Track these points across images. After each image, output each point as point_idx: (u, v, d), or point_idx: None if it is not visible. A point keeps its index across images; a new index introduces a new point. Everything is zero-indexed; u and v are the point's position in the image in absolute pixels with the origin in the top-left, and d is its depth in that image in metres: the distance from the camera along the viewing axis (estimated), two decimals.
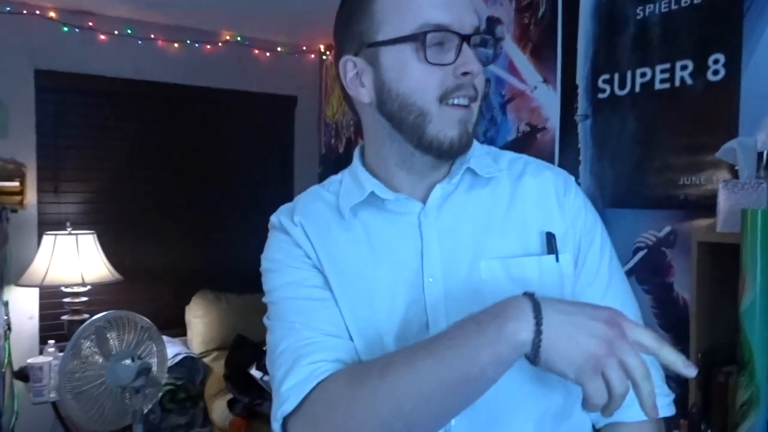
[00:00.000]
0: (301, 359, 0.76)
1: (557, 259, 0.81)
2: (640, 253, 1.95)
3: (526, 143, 2.42)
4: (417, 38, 0.76)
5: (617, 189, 2.04)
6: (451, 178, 0.84)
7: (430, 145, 0.79)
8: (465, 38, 0.77)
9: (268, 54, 3.83)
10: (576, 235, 0.84)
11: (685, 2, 1.86)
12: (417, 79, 0.77)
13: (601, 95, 2.12)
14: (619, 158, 2.06)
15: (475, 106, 0.81)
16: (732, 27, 1.73)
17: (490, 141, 2.59)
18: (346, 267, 0.84)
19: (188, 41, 3.57)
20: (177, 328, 3.59)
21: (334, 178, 0.94)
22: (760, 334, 1.28)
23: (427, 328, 0.80)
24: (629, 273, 1.97)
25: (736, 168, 1.57)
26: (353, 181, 0.88)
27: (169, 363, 2.64)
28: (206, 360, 3.44)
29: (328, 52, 3.92)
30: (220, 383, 3.19)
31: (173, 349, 3.17)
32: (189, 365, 3.25)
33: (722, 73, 1.76)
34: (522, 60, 2.44)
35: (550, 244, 0.81)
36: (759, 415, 1.27)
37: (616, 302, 0.82)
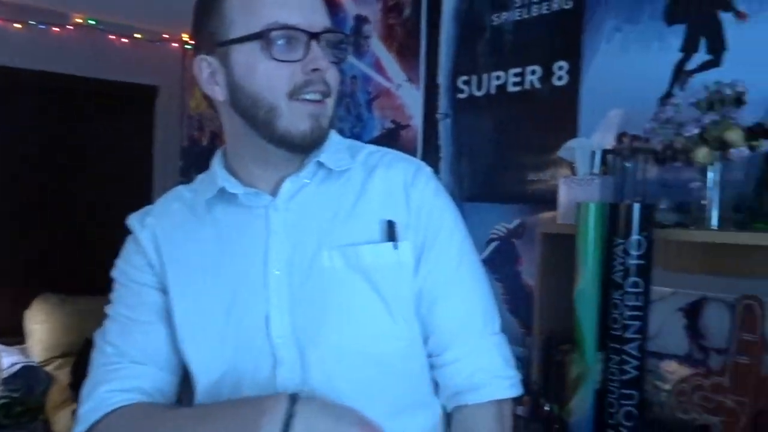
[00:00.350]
0: (99, 385, 0.85)
1: (396, 247, 0.84)
2: (493, 245, 2.07)
3: (390, 140, 2.48)
4: (263, 36, 0.79)
5: (473, 184, 2.16)
6: (300, 173, 0.86)
7: (282, 139, 0.82)
8: (313, 36, 0.80)
9: (125, 40, 3.61)
10: (421, 223, 0.87)
11: (535, 12, 2.00)
12: (266, 76, 0.80)
13: (460, 95, 2.22)
14: (475, 156, 2.17)
15: (330, 101, 0.84)
16: (573, 38, 1.89)
17: (356, 137, 2.60)
18: (191, 266, 0.87)
19: (32, 22, 3.26)
20: (14, 335, 3.26)
21: (199, 177, 0.97)
22: (590, 317, 1.41)
23: (267, 321, 0.83)
24: (483, 263, 2.07)
25: (575, 165, 1.72)
26: (209, 177, 0.91)
27: (4, 374, 2.40)
28: (48, 368, 3.16)
29: (191, 42, 3.76)
30: (65, 393, 2.94)
31: (9, 359, 2.89)
32: (28, 375, 2.96)
33: (565, 79, 1.92)
34: (388, 58, 2.50)
35: (390, 231, 0.84)
36: (588, 388, 1.40)
37: (463, 287, 0.88)
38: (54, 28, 3.36)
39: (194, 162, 3.71)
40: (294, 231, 0.85)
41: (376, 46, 2.54)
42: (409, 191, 0.87)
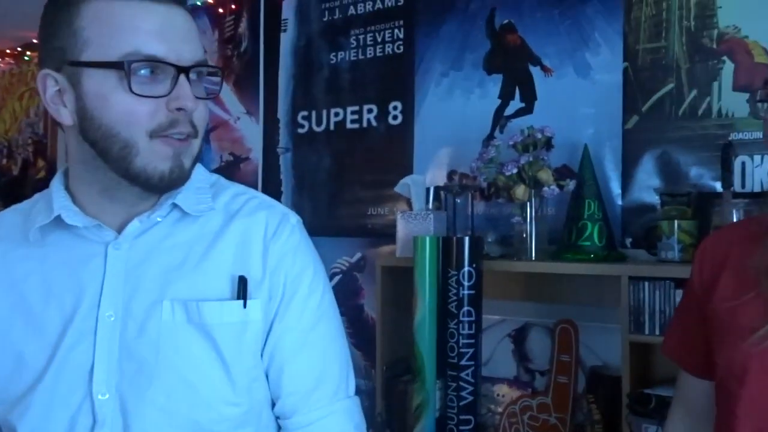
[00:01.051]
0: None
1: (244, 306, 0.79)
2: (336, 278, 2.10)
3: (229, 172, 2.42)
4: (122, 66, 0.70)
5: (315, 218, 2.18)
6: (154, 212, 0.78)
7: (137, 178, 0.74)
8: (182, 70, 0.72)
9: None
10: (279, 281, 0.81)
11: (370, 54, 2.10)
12: (122, 110, 0.71)
13: (300, 130, 2.24)
14: (316, 190, 2.20)
15: (196, 141, 0.76)
16: (406, 80, 2.01)
17: None
18: (12, 305, 0.77)
19: None
20: None
21: (34, 197, 0.86)
22: (429, 346, 1.49)
23: (90, 374, 0.75)
24: None
25: (411, 201, 1.82)
26: (46, 201, 0.80)
27: None
28: None
29: (12, 60, 3.38)
30: None
31: None
32: None
33: (400, 118, 2.03)
34: (225, 91, 2.45)
35: (241, 289, 0.78)
36: (428, 416, 1.47)
37: (317, 349, 0.83)
38: None
39: (4, 192, 3.31)
40: (135, 274, 0.77)
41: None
42: (268, 245, 0.81)
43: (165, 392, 0.75)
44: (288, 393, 0.82)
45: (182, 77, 0.72)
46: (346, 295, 2.07)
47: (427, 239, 1.55)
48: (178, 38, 0.73)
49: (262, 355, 0.81)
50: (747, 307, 0.76)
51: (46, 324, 0.76)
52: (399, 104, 2.03)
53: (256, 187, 2.34)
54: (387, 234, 1.95)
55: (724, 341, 0.79)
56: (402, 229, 1.74)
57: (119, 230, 0.78)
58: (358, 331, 2.05)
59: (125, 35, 0.71)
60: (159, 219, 0.79)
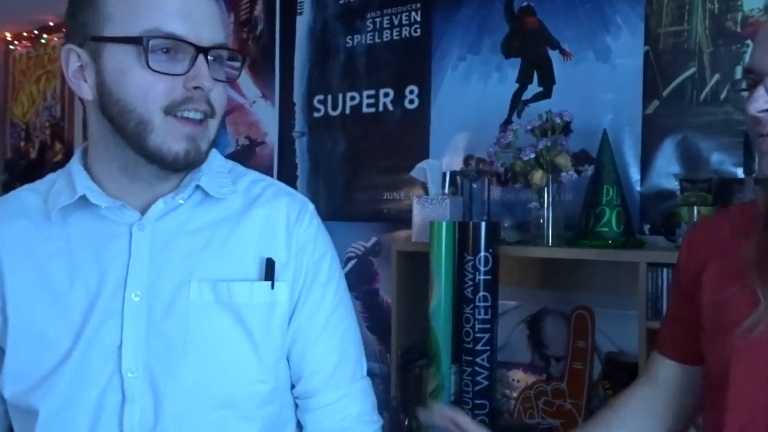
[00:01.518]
0: None
1: (272, 287, 0.80)
2: (351, 263, 2.11)
3: (245, 156, 2.42)
4: (141, 42, 0.71)
5: (330, 203, 2.18)
6: (177, 194, 0.79)
7: (153, 156, 0.75)
8: (201, 51, 0.73)
9: None
10: (302, 266, 0.83)
11: (386, 37, 2.08)
12: (138, 86, 0.72)
13: (316, 114, 2.24)
14: (332, 174, 2.20)
15: (212, 122, 0.77)
16: (423, 64, 1.99)
17: None
18: (34, 288, 0.77)
19: None
20: None
21: (49, 177, 0.86)
22: (444, 331, 1.49)
23: (119, 350, 0.76)
24: None
25: (427, 185, 1.81)
26: (67, 181, 0.80)
27: None
28: None
29: (16, 42, 3.40)
30: None
31: None
32: None
33: (416, 102, 2.01)
34: (241, 74, 2.44)
35: (269, 270, 0.80)
36: (443, 400, 1.48)
37: (337, 332, 0.86)
38: None
39: (22, 175, 3.34)
40: (160, 256, 0.78)
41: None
42: (291, 230, 0.83)
43: (195, 370, 0.77)
44: (311, 373, 0.85)
45: (201, 57, 0.73)
46: (362, 279, 2.08)
47: (444, 224, 1.55)
48: (200, 19, 0.74)
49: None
50: (734, 300, 0.74)
51: (71, 305, 0.77)
52: (415, 88, 2.01)
53: (271, 171, 2.35)
54: (403, 219, 1.94)
55: (713, 336, 0.78)
56: (418, 214, 1.74)
57: (142, 211, 0.79)
58: (373, 315, 2.06)
59: (147, 12, 0.72)
60: (182, 201, 0.80)
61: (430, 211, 1.71)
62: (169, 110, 0.73)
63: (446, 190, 1.76)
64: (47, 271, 0.78)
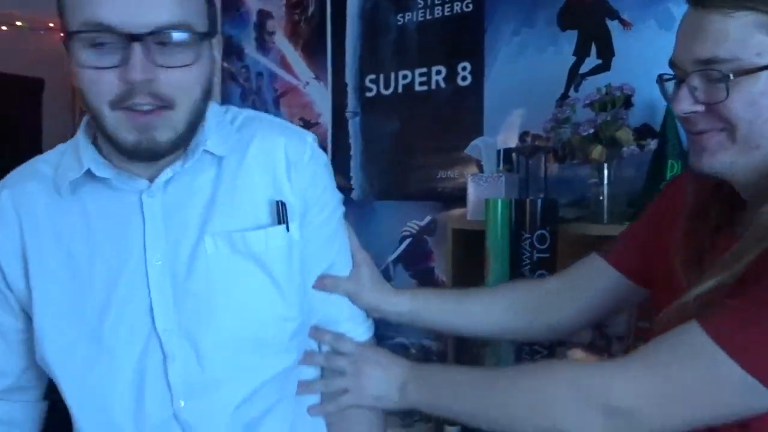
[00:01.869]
0: None
1: (288, 229, 0.81)
2: (406, 242, 2.12)
3: None
4: (77, 36, 0.69)
5: (384, 182, 2.19)
6: (185, 162, 0.79)
7: (116, 147, 0.74)
8: (134, 38, 0.68)
9: (3, 28, 3.32)
10: (308, 200, 0.84)
11: (438, 14, 2.05)
12: (85, 81, 0.71)
13: (368, 94, 2.24)
14: (385, 154, 2.20)
15: (170, 112, 0.73)
16: (475, 40, 1.96)
17: None
18: (57, 260, 0.79)
19: None
20: None
21: (59, 148, 0.86)
22: None
23: (151, 311, 0.78)
24: (396, 261, 2.13)
25: (481, 163, 1.79)
26: (74, 154, 0.81)
27: None
28: None
29: None
30: None
31: None
32: None
33: (469, 79, 1.99)
34: (294, 56, 2.47)
35: (280, 213, 0.80)
36: None
37: (347, 257, 0.92)
38: None
39: None
40: (173, 218, 0.79)
41: (281, 43, 2.51)
42: (292, 167, 0.83)
43: (227, 320, 0.79)
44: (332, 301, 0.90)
45: (135, 46, 0.68)
46: (417, 258, 2.09)
47: (499, 202, 1.54)
48: (132, 2, 0.68)
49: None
50: (670, 278, 0.74)
51: (95, 279, 0.79)
52: (468, 65, 1.99)
53: (325, 152, 2.36)
54: (457, 197, 1.94)
55: (658, 293, 0.79)
56: (473, 192, 1.73)
57: (150, 179, 0.79)
58: None
59: (80, 3, 0.69)
60: (188, 166, 0.80)
61: (485, 188, 1.70)
62: (115, 104, 0.71)
63: (501, 168, 1.74)
64: (70, 246, 0.80)
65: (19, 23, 3.37)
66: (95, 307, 0.78)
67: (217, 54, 0.80)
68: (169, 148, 0.76)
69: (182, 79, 0.72)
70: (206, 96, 0.77)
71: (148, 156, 0.75)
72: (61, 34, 0.73)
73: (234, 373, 0.80)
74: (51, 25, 3.47)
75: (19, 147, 3.49)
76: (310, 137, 0.87)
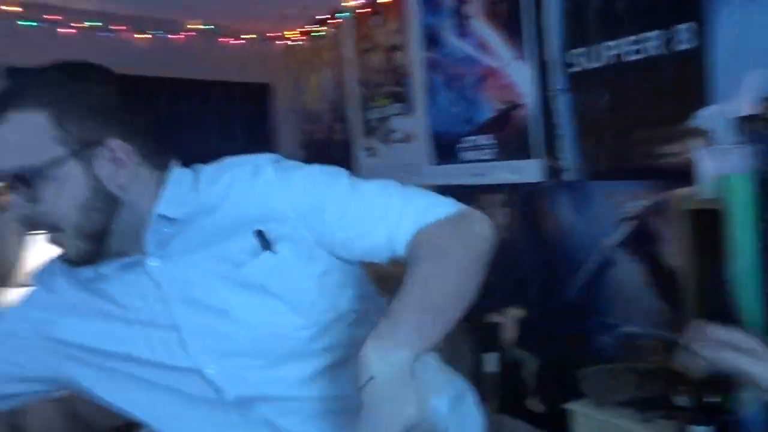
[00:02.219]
0: None
1: (275, 252, 0.85)
2: (630, 224, 2.00)
3: (503, 121, 2.45)
4: None
5: (598, 162, 2.10)
6: (152, 226, 0.87)
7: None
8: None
9: (236, 41, 3.76)
10: (291, 214, 0.86)
11: None
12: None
13: (573, 69, 2.15)
14: (597, 131, 2.10)
15: (63, 233, 0.83)
16: None
17: (468, 122, 2.62)
18: (101, 342, 0.91)
19: (154, 31, 3.47)
20: None
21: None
22: (753, 298, 1.36)
23: (184, 346, 0.87)
24: (617, 246, 2.04)
25: (710, 135, 1.64)
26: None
27: None
28: None
29: (305, 37, 3.86)
30: None
31: None
32: None
33: (690, 42, 1.81)
34: (493, 37, 2.46)
35: (262, 240, 0.85)
36: None
37: (372, 215, 0.85)
38: (172, 35, 3.55)
39: (315, 153, 3.81)
40: (179, 271, 0.87)
41: (478, 26, 2.51)
42: (251, 192, 0.87)
43: (251, 344, 0.86)
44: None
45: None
46: (643, 241, 1.97)
47: (740, 177, 1.40)
48: None
49: (335, 251, 0.87)
50: None
51: (135, 340, 0.90)
52: (688, 26, 1.81)
53: (528, 134, 2.33)
54: (679, 174, 1.78)
55: None
56: (704, 168, 1.59)
57: (139, 250, 0.88)
58: (658, 280, 1.95)
59: None
60: (166, 229, 0.87)
61: (718, 163, 1.55)
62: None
63: (736, 139, 1.58)
64: (108, 310, 0.90)
65: (248, 36, 3.76)
66: (143, 357, 0.90)
67: (119, 157, 0.84)
68: (89, 257, 0.86)
69: (45, 212, 0.82)
70: (98, 205, 0.84)
71: (88, 263, 0.87)
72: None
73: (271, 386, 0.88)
74: (270, 35, 3.84)
75: (253, 142, 3.90)
76: (261, 159, 0.90)
